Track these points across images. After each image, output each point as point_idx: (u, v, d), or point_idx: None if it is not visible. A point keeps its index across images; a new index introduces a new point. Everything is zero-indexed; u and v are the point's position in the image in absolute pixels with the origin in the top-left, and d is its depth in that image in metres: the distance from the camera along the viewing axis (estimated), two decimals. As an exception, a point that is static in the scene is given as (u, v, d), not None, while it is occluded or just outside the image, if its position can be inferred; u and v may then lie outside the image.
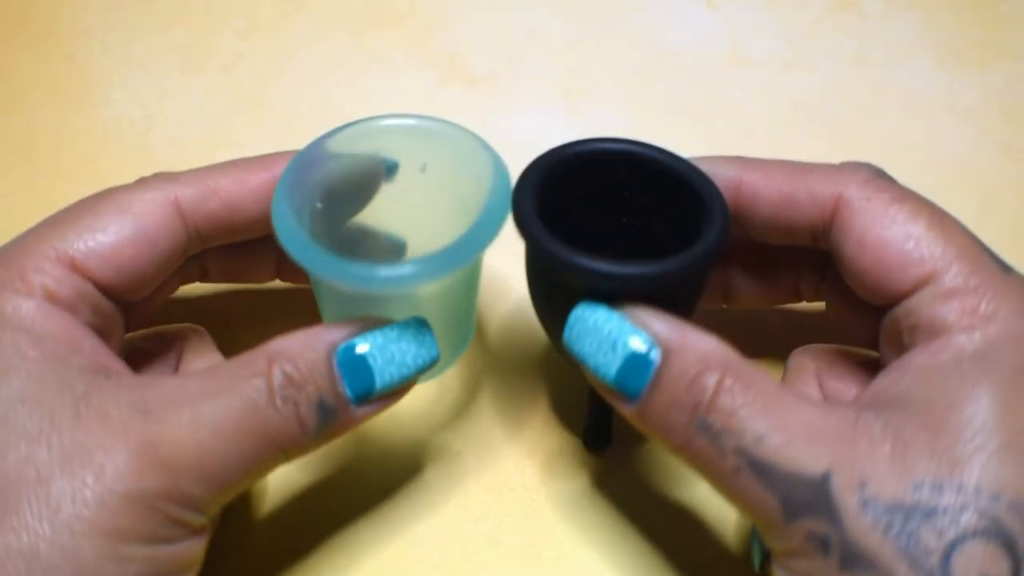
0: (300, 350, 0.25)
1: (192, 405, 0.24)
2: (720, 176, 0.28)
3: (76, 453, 0.23)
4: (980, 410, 0.22)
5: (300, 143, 0.41)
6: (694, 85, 0.43)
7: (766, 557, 0.26)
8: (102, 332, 0.27)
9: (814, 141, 0.41)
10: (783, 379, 0.29)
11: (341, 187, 0.30)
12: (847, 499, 0.22)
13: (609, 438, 0.32)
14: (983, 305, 0.24)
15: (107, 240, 0.27)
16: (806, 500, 0.22)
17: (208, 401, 0.24)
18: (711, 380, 0.23)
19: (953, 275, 0.24)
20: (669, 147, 0.42)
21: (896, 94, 0.42)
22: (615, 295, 0.25)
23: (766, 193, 0.28)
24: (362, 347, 0.26)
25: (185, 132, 0.41)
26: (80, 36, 0.43)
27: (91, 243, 0.26)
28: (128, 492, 0.23)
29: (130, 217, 0.27)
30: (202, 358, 0.29)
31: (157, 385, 0.24)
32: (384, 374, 0.26)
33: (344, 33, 0.43)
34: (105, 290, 0.27)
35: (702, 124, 0.42)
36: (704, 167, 0.28)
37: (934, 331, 0.24)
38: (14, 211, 0.39)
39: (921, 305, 0.25)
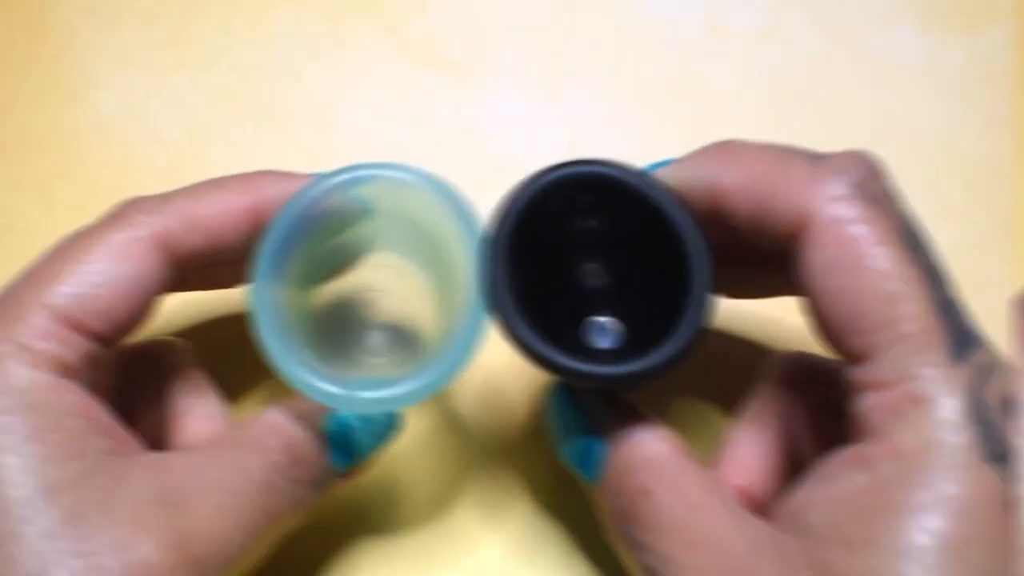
0: (302, 434, 0.27)
1: (215, 494, 0.24)
2: (695, 187, 0.26)
3: (104, 552, 0.22)
4: (911, 530, 0.20)
5: (283, 136, 0.42)
6: (670, 59, 0.42)
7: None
8: (101, 388, 0.26)
9: (793, 115, 0.41)
10: (739, 423, 0.28)
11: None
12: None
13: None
14: (914, 412, 0.21)
15: (105, 294, 0.25)
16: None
17: (230, 489, 0.25)
18: (636, 483, 0.24)
19: (892, 359, 0.22)
20: (649, 123, 0.42)
21: (877, 64, 0.42)
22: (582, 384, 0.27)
23: (741, 203, 0.25)
24: (347, 423, 0.27)
25: (170, 128, 0.42)
26: (67, 35, 0.44)
27: (89, 299, 0.25)
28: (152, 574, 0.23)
29: (123, 267, 0.26)
30: (196, 398, 0.29)
31: (174, 467, 0.25)
32: (365, 446, 0.28)
33: (322, 22, 0.43)
34: (103, 342, 0.26)
35: (680, 98, 0.41)
36: (680, 174, 0.26)
37: (864, 432, 0.22)
38: (5, 212, 0.40)
39: (854, 385, 0.23)
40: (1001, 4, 0.42)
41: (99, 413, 0.25)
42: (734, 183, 0.25)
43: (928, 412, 0.21)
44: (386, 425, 0.28)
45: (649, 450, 0.25)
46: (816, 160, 0.25)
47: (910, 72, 0.41)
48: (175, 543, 0.23)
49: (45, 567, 0.22)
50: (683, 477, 0.24)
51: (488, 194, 0.39)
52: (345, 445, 0.27)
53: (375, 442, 0.28)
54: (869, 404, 0.22)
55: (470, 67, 0.42)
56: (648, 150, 0.40)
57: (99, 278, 0.25)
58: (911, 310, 0.22)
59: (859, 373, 0.22)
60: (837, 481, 0.22)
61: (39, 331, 0.24)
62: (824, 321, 0.23)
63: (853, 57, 0.42)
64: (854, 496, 0.21)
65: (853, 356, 0.23)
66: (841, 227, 0.23)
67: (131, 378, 0.28)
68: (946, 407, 0.21)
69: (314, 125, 0.42)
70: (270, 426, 0.27)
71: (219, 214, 0.27)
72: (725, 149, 0.26)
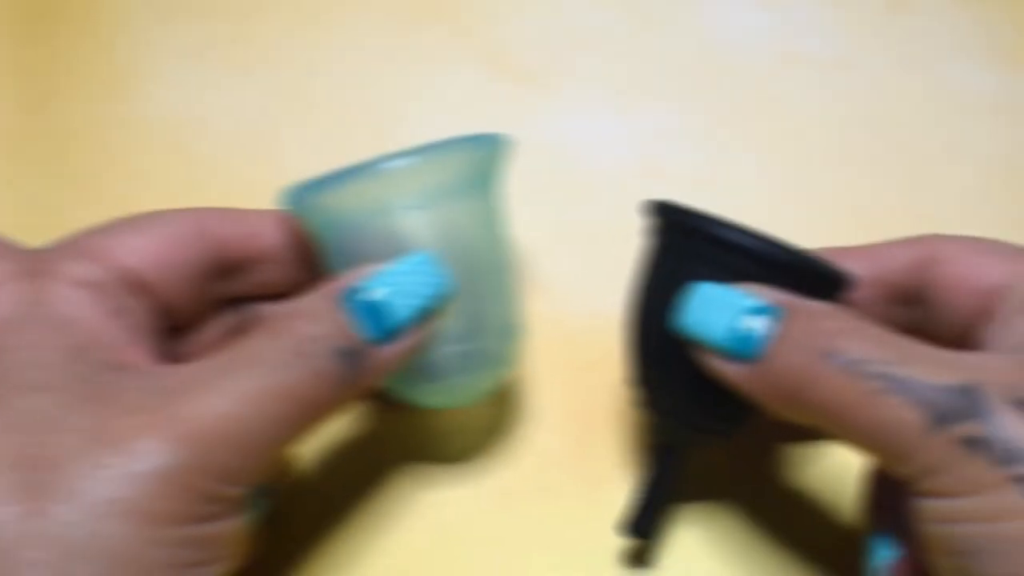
0: (310, 305, 0.25)
1: (210, 380, 0.24)
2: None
3: (98, 438, 0.22)
4: None
5: (345, 142, 0.40)
6: (746, 84, 0.42)
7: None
8: (134, 327, 0.26)
9: (867, 141, 0.41)
10: None
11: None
12: (998, 402, 0.22)
13: (655, 526, 0.30)
14: None
15: (142, 238, 0.27)
16: (954, 408, 0.22)
17: (226, 373, 0.24)
18: (836, 322, 0.24)
19: None
20: (722, 144, 0.42)
21: (950, 94, 0.42)
22: (743, 278, 0.26)
23: (863, 262, 0.29)
24: (372, 287, 0.26)
25: (226, 127, 0.40)
26: (120, 27, 0.43)
27: (127, 239, 0.27)
28: (157, 471, 0.22)
29: (164, 221, 0.28)
30: None
31: (174, 370, 0.24)
32: (401, 308, 0.26)
33: (391, 26, 0.43)
34: (142, 286, 0.27)
35: (754, 123, 0.41)
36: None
37: None
38: (51, 207, 0.39)
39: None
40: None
41: (108, 331, 0.25)
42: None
43: None
44: (424, 284, 0.27)
45: (837, 307, 0.26)
46: None
47: (981, 102, 0.42)
48: (165, 425, 0.23)
49: (39, 453, 0.22)
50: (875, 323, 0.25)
51: (556, 205, 0.39)
52: (373, 311, 0.26)
53: (414, 303, 0.26)
54: None
55: (545, 78, 0.42)
56: (719, 170, 0.40)
57: (138, 226, 0.28)
58: None
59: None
60: None
61: (69, 255, 0.26)
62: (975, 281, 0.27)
63: (924, 86, 0.42)
64: None
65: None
66: (964, 237, 0.28)
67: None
68: None
69: (378, 133, 0.40)
70: (267, 316, 0.26)
71: (258, 215, 0.30)
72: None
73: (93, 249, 0.27)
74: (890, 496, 0.26)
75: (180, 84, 0.42)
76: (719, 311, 0.25)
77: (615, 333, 0.35)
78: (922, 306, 0.28)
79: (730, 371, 0.26)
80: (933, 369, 0.23)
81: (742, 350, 0.25)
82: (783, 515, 0.32)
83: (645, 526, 0.29)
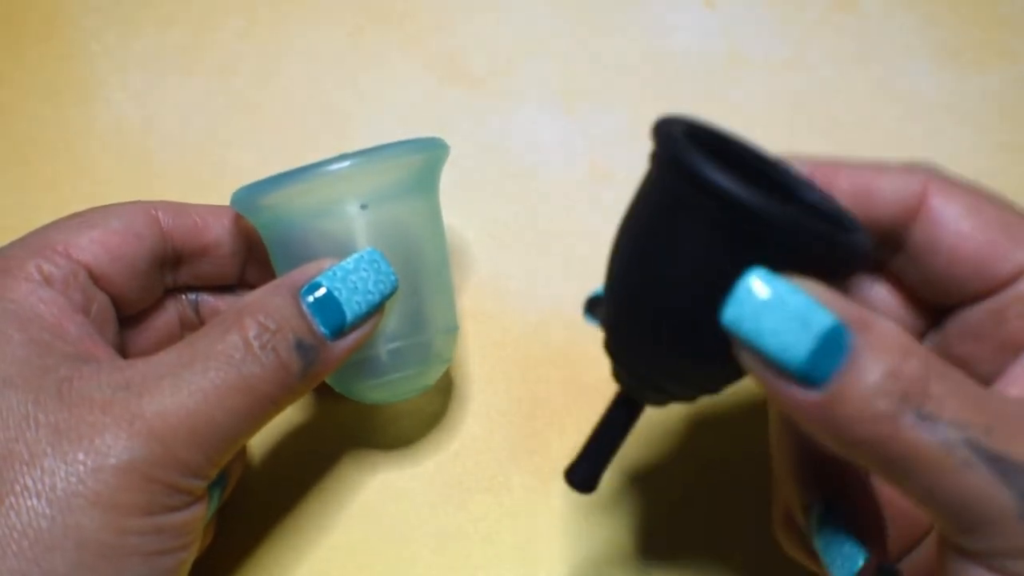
0: (266, 299, 0.26)
1: (172, 374, 0.24)
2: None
3: (64, 432, 0.23)
4: None
5: (299, 144, 0.41)
6: (693, 85, 0.43)
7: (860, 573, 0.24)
8: (94, 320, 0.27)
9: (813, 142, 0.41)
10: None
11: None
12: None
13: (599, 478, 0.27)
14: None
15: (97, 232, 0.28)
16: None
17: (187, 367, 0.24)
18: (917, 367, 0.20)
19: None
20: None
21: (895, 94, 0.42)
22: (781, 260, 0.21)
23: (843, 186, 0.25)
24: (324, 283, 0.27)
25: (184, 132, 0.41)
26: (79, 36, 0.43)
27: (83, 234, 0.28)
28: (121, 465, 0.23)
29: (116, 215, 0.29)
30: None
31: (137, 364, 0.25)
32: (351, 304, 0.27)
33: (342, 33, 0.43)
34: (98, 279, 0.28)
35: (701, 124, 0.42)
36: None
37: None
38: (13, 211, 0.39)
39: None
40: (1014, 43, 0.43)
41: (73, 326, 0.26)
42: (828, 173, 0.26)
43: None
44: (373, 281, 0.28)
45: (909, 336, 0.21)
46: (901, 163, 0.26)
47: (927, 102, 0.42)
48: (129, 420, 0.23)
49: (6, 446, 0.23)
50: (946, 363, 0.22)
51: (506, 205, 0.40)
52: (328, 307, 0.27)
53: (364, 300, 0.27)
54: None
55: (493, 82, 0.42)
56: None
57: (95, 221, 0.29)
58: None
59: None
60: None
61: (31, 252, 0.27)
62: (979, 250, 0.24)
63: (873, 88, 0.43)
64: None
65: (1016, 271, 0.24)
66: (966, 188, 0.26)
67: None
68: None
69: (332, 136, 0.41)
70: (228, 310, 0.26)
71: (208, 208, 0.31)
72: (810, 157, 0.27)
73: (50, 245, 0.27)
74: (819, 467, 0.25)
75: (138, 90, 0.42)
76: (788, 322, 0.21)
77: (563, 332, 0.36)
78: (906, 255, 0.26)
79: (783, 390, 0.21)
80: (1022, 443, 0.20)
81: (810, 375, 0.21)
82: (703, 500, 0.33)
83: (592, 477, 0.26)
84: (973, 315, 0.25)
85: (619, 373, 0.26)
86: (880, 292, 0.27)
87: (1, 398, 0.24)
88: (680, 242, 0.22)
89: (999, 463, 0.20)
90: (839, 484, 0.25)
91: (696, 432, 0.34)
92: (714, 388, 0.25)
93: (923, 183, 0.25)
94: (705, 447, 0.34)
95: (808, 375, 0.21)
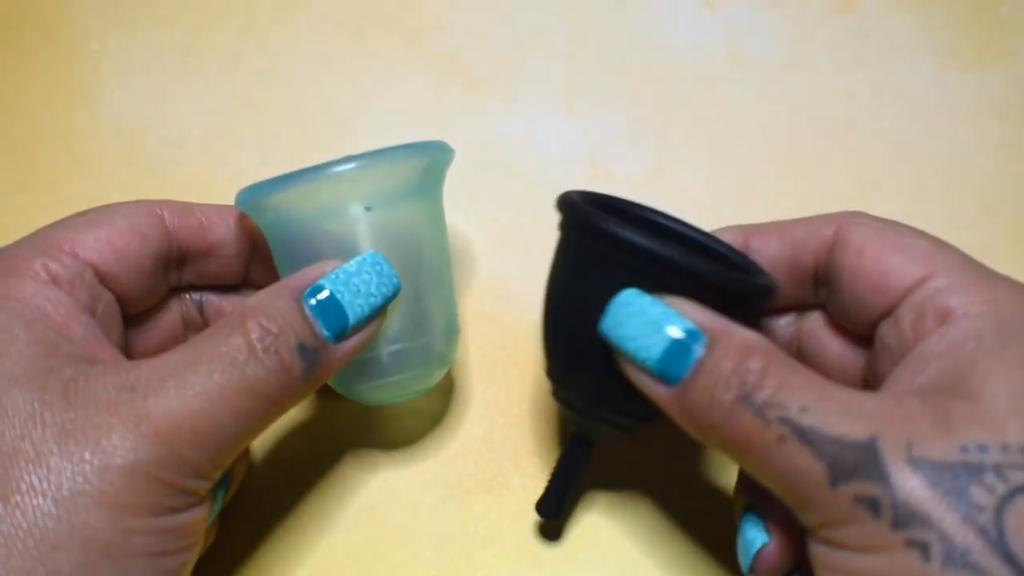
0: (269, 302, 0.26)
1: (176, 376, 0.24)
2: (731, 240, 0.30)
3: (71, 432, 0.23)
4: (1012, 377, 0.23)
5: (299, 144, 0.41)
6: (693, 86, 0.43)
7: (758, 555, 0.26)
8: (100, 320, 0.27)
9: (812, 141, 0.41)
10: None
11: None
12: (895, 461, 0.22)
13: (563, 507, 0.31)
14: (984, 292, 0.25)
15: (103, 231, 0.28)
16: (853, 463, 0.22)
17: (191, 369, 0.24)
18: (756, 363, 0.24)
19: (948, 271, 0.26)
20: (670, 143, 0.43)
21: (894, 95, 0.42)
22: (664, 287, 0.26)
23: (773, 241, 0.29)
24: (326, 286, 0.27)
25: (185, 133, 0.41)
26: (79, 37, 0.43)
27: (89, 233, 0.28)
28: (126, 465, 0.23)
29: (122, 215, 0.29)
30: None
31: (141, 365, 0.25)
32: (354, 307, 0.27)
33: (343, 33, 0.43)
34: (104, 278, 0.28)
35: (701, 125, 0.42)
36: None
37: (944, 317, 0.25)
38: (13, 211, 0.39)
39: (926, 298, 0.26)
40: (1012, 43, 0.43)
41: (79, 326, 0.26)
42: (760, 236, 0.30)
43: (997, 291, 0.25)
44: (375, 284, 0.28)
45: (761, 339, 0.25)
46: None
47: (924, 102, 0.42)
48: (134, 422, 0.23)
49: (12, 445, 0.23)
50: (794, 361, 0.24)
51: (507, 206, 0.40)
52: (330, 310, 0.27)
53: (366, 303, 0.27)
54: (949, 300, 0.25)
55: (494, 83, 0.42)
56: (666, 171, 0.40)
57: (101, 221, 0.29)
58: (951, 249, 0.27)
59: (926, 288, 0.26)
60: (940, 352, 0.24)
61: (38, 251, 0.27)
62: (876, 268, 0.27)
63: (872, 88, 0.43)
64: (958, 353, 0.24)
65: (911, 284, 0.26)
66: (874, 220, 0.28)
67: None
68: (1008, 286, 0.25)
69: (332, 135, 0.41)
70: (231, 313, 0.26)
71: (213, 208, 0.31)
72: (740, 226, 0.30)
73: (56, 245, 0.27)
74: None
75: (139, 92, 0.42)
76: (645, 327, 0.25)
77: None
78: (830, 289, 0.29)
79: (649, 386, 0.25)
80: (841, 419, 0.23)
81: (664, 372, 0.25)
82: (690, 504, 0.33)
83: (556, 507, 0.31)
84: (883, 330, 0.27)
85: (566, 413, 0.30)
86: (823, 332, 0.30)
87: (7, 397, 0.24)
88: (585, 282, 0.27)
89: (809, 435, 0.23)
90: (760, 493, 0.27)
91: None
92: (635, 412, 0.28)
93: (838, 221, 0.28)
94: (705, 448, 0.34)
95: (663, 372, 0.25)
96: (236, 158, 0.41)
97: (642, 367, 0.25)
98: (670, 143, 0.41)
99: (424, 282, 0.30)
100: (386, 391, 0.31)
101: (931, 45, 0.43)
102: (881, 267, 0.27)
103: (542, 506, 0.31)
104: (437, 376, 0.32)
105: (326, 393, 0.33)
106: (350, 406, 0.33)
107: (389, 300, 0.28)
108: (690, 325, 0.25)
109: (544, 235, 0.38)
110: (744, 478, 0.28)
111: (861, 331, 0.28)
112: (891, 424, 0.22)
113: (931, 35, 0.44)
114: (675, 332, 0.25)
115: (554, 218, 0.39)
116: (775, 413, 0.23)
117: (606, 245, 0.26)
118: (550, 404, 0.35)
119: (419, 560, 0.32)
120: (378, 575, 0.32)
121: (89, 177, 0.40)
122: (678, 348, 0.25)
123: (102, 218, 0.29)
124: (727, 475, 0.33)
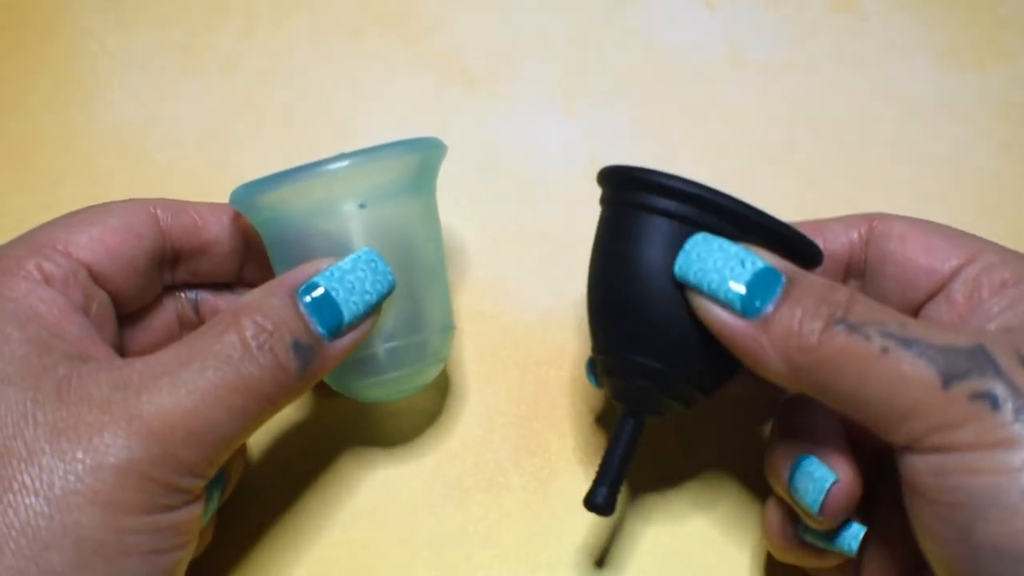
0: (264, 300, 0.26)
1: (170, 374, 0.24)
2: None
3: (63, 430, 0.23)
4: None
5: (298, 144, 0.41)
6: (693, 86, 0.43)
7: (828, 493, 0.26)
8: (94, 319, 0.27)
9: (812, 141, 0.41)
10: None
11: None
12: (1008, 359, 0.22)
13: (615, 499, 0.28)
14: None
15: (97, 230, 0.28)
16: (965, 365, 0.22)
17: (185, 367, 0.24)
18: (841, 294, 0.24)
19: (995, 251, 0.27)
20: (670, 143, 0.42)
21: (894, 95, 0.42)
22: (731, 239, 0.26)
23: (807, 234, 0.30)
24: (321, 283, 0.27)
25: (184, 133, 0.41)
26: (79, 37, 0.43)
27: (83, 232, 0.28)
28: (120, 464, 0.23)
29: (116, 214, 0.29)
30: None
31: (135, 364, 0.25)
32: (348, 304, 0.27)
33: (342, 33, 0.43)
34: (98, 277, 0.28)
35: (701, 125, 0.42)
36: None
37: (1000, 287, 0.26)
38: (13, 211, 0.39)
39: (981, 271, 0.26)
40: (1012, 43, 0.43)
41: (72, 325, 0.26)
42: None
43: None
44: (370, 282, 0.28)
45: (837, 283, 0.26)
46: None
47: (924, 102, 0.42)
48: (127, 420, 0.23)
49: (4, 444, 0.23)
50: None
51: (507, 206, 0.40)
52: (325, 308, 0.27)
53: (361, 300, 0.27)
54: (1001, 273, 0.26)
55: (493, 82, 0.42)
56: (668, 169, 0.40)
57: (95, 220, 0.28)
58: (982, 238, 0.28)
59: (973, 268, 0.27)
60: (1003, 306, 0.25)
61: (32, 251, 0.27)
62: (923, 253, 0.28)
63: (872, 88, 0.43)
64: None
65: (957, 266, 0.27)
66: (905, 216, 0.29)
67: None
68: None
69: (332, 134, 0.41)
70: (226, 311, 0.26)
71: (207, 206, 0.31)
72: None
73: (50, 244, 0.27)
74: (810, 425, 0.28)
75: (139, 92, 0.42)
76: (727, 260, 0.25)
77: (562, 332, 0.36)
78: (865, 280, 0.29)
79: (729, 324, 0.25)
80: (940, 333, 0.23)
81: (748, 304, 0.25)
82: (690, 504, 0.33)
83: (611, 499, 0.28)
84: (930, 311, 0.28)
85: (615, 386, 0.29)
86: None
87: (2, 396, 0.23)
88: (652, 242, 0.27)
89: (917, 345, 0.23)
90: (814, 437, 0.27)
91: (696, 434, 0.34)
92: (714, 368, 0.27)
93: (869, 218, 0.29)
94: (705, 449, 0.34)
95: (748, 303, 0.25)
96: (235, 158, 0.40)
97: (724, 301, 0.25)
98: (670, 143, 0.41)
99: (419, 278, 0.30)
100: (382, 388, 0.30)
101: (931, 45, 0.43)
102: (928, 250, 0.28)
103: (595, 500, 0.28)
104: (433, 372, 0.31)
105: (323, 390, 0.33)
106: (347, 403, 0.33)
107: (384, 297, 0.28)
108: (768, 264, 0.25)
109: (544, 235, 0.39)
110: (791, 431, 0.28)
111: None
112: (992, 337, 0.23)
113: (931, 35, 0.44)
114: (761, 263, 0.25)
115: (554, 218, 0.40)
116: (875, 330, 0.23)
117: (682, 203, 0.27)
118: (550, 404, 0.35)
119: (418, 560, 0.32)
120: (376, 575, 0.32)
121: (88, 177, 0.40)
122: (764, 276, 0.25)
123: (95, 217, 0.29)
124: (727, 475, 0.33)
